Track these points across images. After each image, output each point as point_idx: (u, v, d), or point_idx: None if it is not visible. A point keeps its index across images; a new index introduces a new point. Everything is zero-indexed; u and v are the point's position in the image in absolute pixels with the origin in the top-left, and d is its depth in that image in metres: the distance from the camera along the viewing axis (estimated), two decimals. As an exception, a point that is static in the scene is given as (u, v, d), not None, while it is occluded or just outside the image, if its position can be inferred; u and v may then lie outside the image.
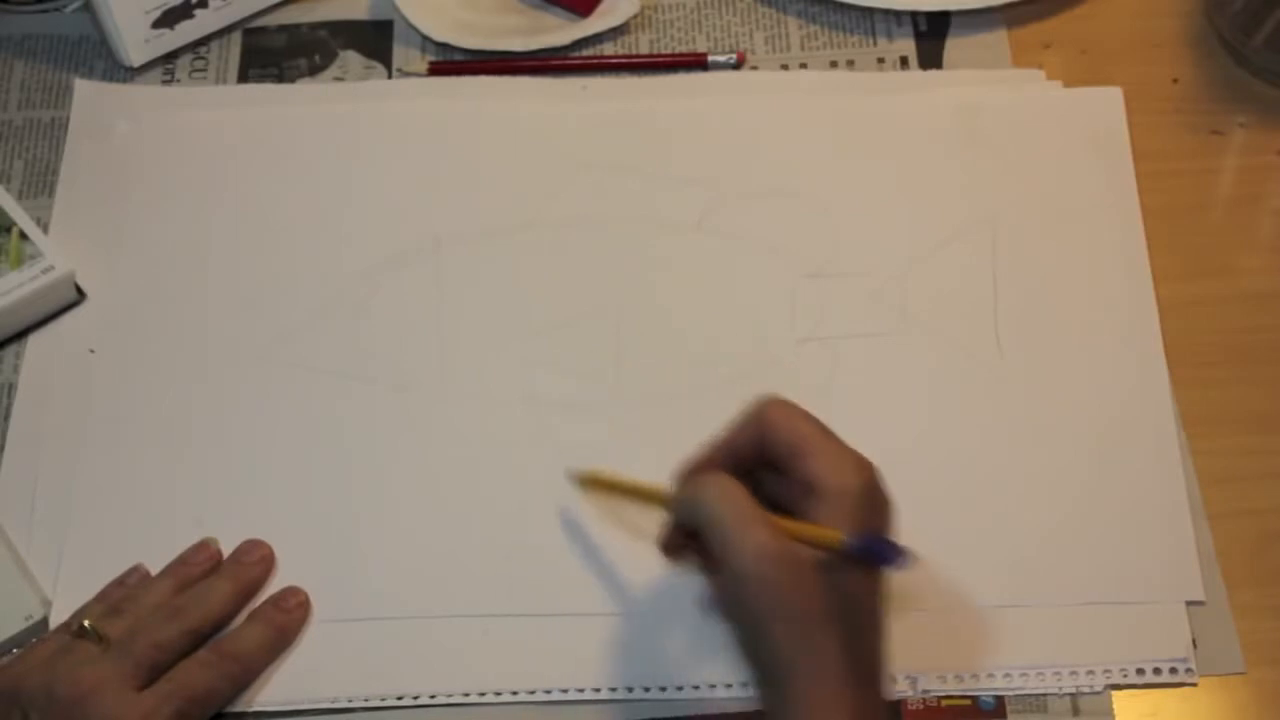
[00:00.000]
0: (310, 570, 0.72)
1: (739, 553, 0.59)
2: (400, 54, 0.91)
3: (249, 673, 0.69)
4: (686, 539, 0.66)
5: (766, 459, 0.64)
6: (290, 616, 0.71)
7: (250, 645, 0.69)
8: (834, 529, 0.60)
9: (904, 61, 0.89)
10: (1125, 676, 0.69)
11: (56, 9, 0.92)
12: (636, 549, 0.71)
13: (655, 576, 0.72)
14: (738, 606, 0.61)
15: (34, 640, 0.70)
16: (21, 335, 0.80)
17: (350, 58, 0.91)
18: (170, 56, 0.90)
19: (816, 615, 0.59)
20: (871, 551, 0.60)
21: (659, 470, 0.75)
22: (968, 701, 0.69)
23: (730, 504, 0.61)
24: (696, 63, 0.89)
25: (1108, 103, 0.85)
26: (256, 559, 0.72)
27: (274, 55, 0.91)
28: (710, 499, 0.62)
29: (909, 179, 0.83)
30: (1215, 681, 0.69)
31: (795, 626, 0.59)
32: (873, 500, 0.61)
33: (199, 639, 0.69)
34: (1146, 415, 0.76)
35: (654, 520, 0.67)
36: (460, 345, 0.79)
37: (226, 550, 0.73)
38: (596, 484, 0.72)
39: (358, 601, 0.72)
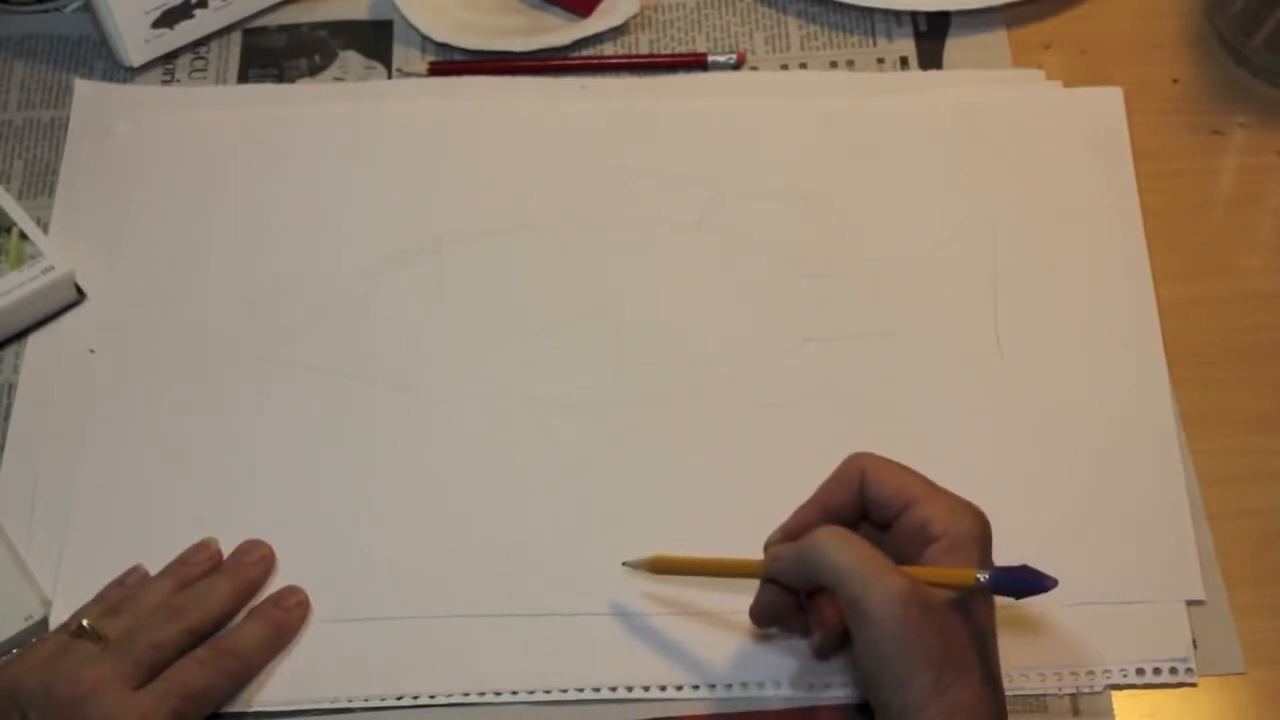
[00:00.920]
0: (310, 570, 0.72)
1: (880, 598, 0.60)
2: (400, 54, 0.91)
3: (247, 670, 0.69)
4: (787, 599, 0.67)
5: (866, 514, 0.65)
6: (289, 614, 0.71)
7: (249, 642, 0.69)
8: (965, 569, 0.61)
9: (904, 61, 0.89)
10: (1125, 676, 0.69)
11: (56, 9, 0.92)
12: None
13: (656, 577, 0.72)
14: (874, 652, 0.60)
15: (34, 640, 0.70)
16: (21, 335, 0.80)
17: (350, 58, 0.91)
18: (170, 56, 0.90)
19: (957, 650, 0.60)
20: (1019, 582, 0.60)
21: (659, 470, 0.75)
22: (968, 701, 0.69)
23: (857, 553, 0.62)
24: (696, 63, 0.89)
25: (1108, 103, 0.85)
26: (256, 559, 0.72)
27: (274, 55, 0.91)
28: (834, 551, 0.62)
29: (909, 179, 0.83)
30: (1215, 681, 0.69)
31: (935, 666, 0.60)
32: (986, 542, 0.63)
33: (199, 638, 0.69)
34: (1146, 415, 0.76)
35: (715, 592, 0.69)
36: (460, 345, 0.79)
37: (226, 550, 0.73)
38: (666, 566, 0.70)
39: (358, 601, 0.72)
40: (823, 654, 0.69)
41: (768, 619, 0.68)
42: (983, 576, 0.60)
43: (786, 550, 0.65)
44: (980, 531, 0.63)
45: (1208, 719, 0.69)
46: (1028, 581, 0.60)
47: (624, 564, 0.70)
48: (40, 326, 0.80)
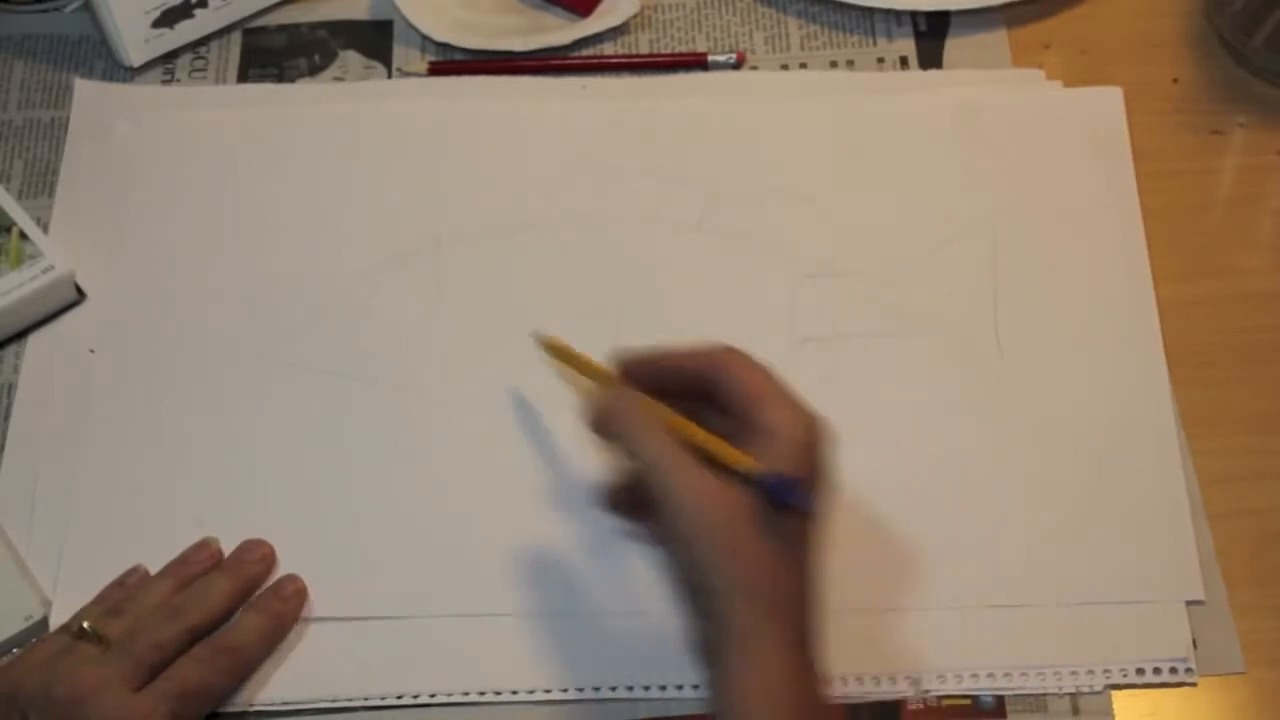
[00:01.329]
0: (310, 570, 0.72)
1: (678, 496, 0.61)
2: (400, 54, 0.91)
3: (247, 664, 0.69)
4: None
5: (709, 396, 0.65)
6: (287, 604, 0.71)
7: (247, 636, 0.69)
8: (750, 458, 0.61)
9: (904, 61, 0.89)
10: (1125, 676, 0.69)
11: (56, 9, 0.92)
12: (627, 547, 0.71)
13: (656, 576, 0.72)
14: (674, 541, 0.62)
15: (34, 641, 0.70)
16: (21, 335, 0.80)
17: (350, 58, 0.91)
18: (170, 56, 0.90)
19: (749, 553, 0.60)
20: (778, 487, 0.60)
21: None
22: (968, 701, 0.69)
23: (661, 443, 0.62)
24: (696, 63, 0.89)
25: (1108, 103, 0.85)
26: (257, 557, 0.72)
27: (274, 55, 0.91)
28: (643, 434, 0.63)
29: (909, 179, 0.83)
30: (1215, 681, 0.69)
31: (728, 561, 0.60)
32: (812, 456, 0.62)
33: (199, 638, 0.69)
34: (1146, 415, 0.76)
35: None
36: (460, 345, 0.79)
37: (227, 550, 0.73)
38: (556, 350, 0.73)
39: (358, 601, 0.72)
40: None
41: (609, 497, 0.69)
42: (762, 470, 0.61)
43: (608, 397, 0.66)
44: (808, 438, 0.62)
45: (1208, 719, 0.69)
46: (787, 489, 0.60)
47: (530, 331, 0.74)
48: (40, 326, 0.80)
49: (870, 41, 0.90)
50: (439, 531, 0.74)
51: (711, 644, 0.61)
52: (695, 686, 0.69)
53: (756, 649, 0.60)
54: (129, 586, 0.71)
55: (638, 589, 0.72)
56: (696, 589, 0.62)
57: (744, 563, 0.60)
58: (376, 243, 0.82)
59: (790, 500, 0.60)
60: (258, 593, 0.71)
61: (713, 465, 0.62)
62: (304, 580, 0.72)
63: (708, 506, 0.60)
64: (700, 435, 0.63)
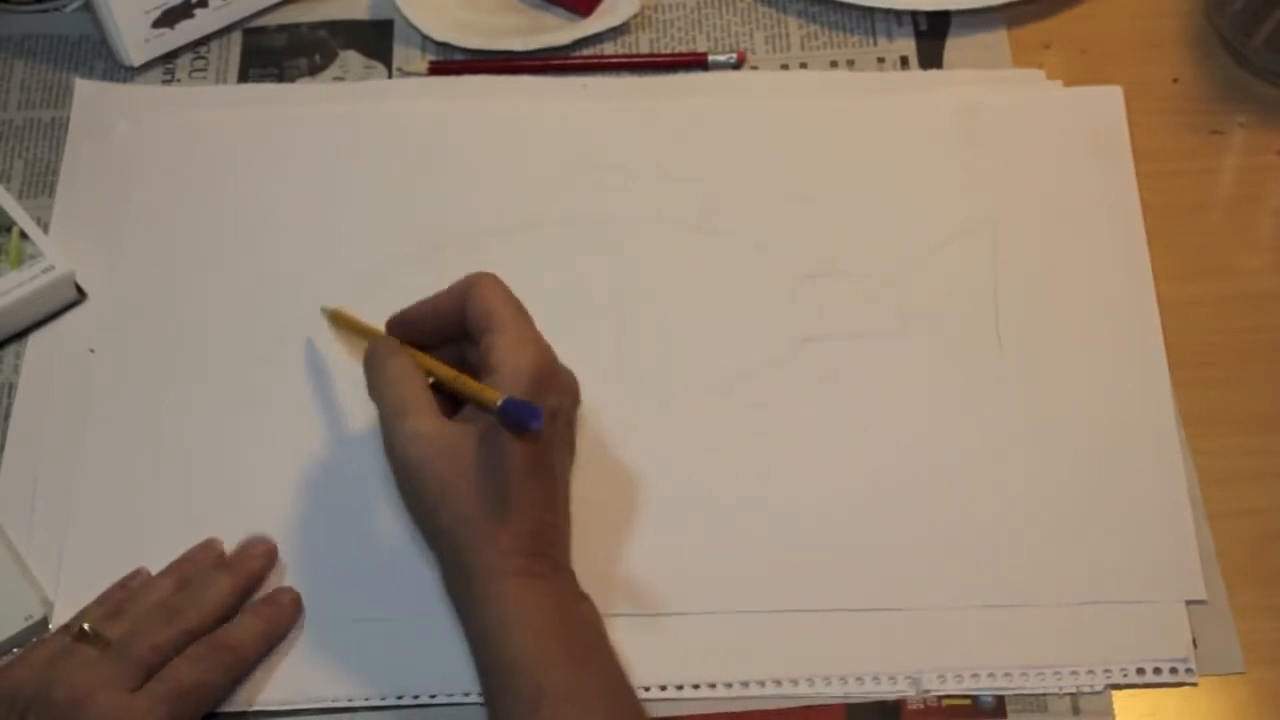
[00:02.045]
0: (311, 570, 0.72)
1: (400, 446, 0.66)
2: (400, 54, 0.91)
3: (242, 663, 0.69)
4: None
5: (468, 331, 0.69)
6: (282, 610, 0.71)
7: (242, 635, 0.69)
8: (489, 390, 0.65)
9: (904, 61, 0.89)
10: (1125, 676, 0.69)
11: (56, 9, 0.92)
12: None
13: (655, 575, 0.72)
14: (401, 480, 0.67)
15: (34, 641, 0.70)
16: (21, 335, 0.80)
17: (350, 57, 0.91)
18: (170, 56, 0.90)
19: (464, 476, 0.65)
20: (508, 414, 0.64)
21: (658, 469, 0.75)
22: (968, 701, 0.69)
23: (394, 389, 0.68)
24: (697, 62, 0.89)
25: (1108, 102, 0.85)
26: (259, 553, 0.72)
27: (274, 55, 0.91)
28: (378, 372, 0.69)
29: (909, 179, 0.83)
30: (1215, 681, 0.69)
31: (445, 491, 0.65)
32: (540, 384, 0.66)
33: (198, 638, 0.69)
34: (1147, 415, 0.76)
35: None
36: (460, 345, 0.79)
37: (229, 549, 0.73)
38: (340, 319, 0.76)
39: (358, 601, 0.72)
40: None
41: None
42: (500, 401, 0.64)
43: (369, 353, 0.71)
44: (531, 368, 0.66)
45: (1208, 719, 0.69)
46: (516, 414, 0.63)
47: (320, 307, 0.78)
48: (40, 326, 0.80)
49: (870, 41, 0.90)
50: (439, 531, 0.74)
51: (454, 581, 0.66)
52: (695, 686, 0.69)
53: (496, 579, 0.64)
54: (131, 589, 0.71)
55: (637, 589, 0.72)
56: (429, 533, 0.67)
57: (464, 500, 0.64)
58: (377, 243, 0.82)
59: (518, 426, 0.63)
60: (254, 599, 0.71)
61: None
62: (306, 582, 0.72)
63: (428, 455, 0.66)
64: (447, 374, 0.68)
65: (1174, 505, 0.73)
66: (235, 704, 0.69)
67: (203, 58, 0.90)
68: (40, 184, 0.86)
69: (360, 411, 0.76)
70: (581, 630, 0.65)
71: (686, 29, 0.91)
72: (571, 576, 0.67)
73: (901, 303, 0.79)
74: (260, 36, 0.91)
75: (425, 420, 0.67)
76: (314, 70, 0.90)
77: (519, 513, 0.65)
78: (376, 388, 0.70)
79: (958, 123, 0.85)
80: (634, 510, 0.74)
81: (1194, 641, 0.70)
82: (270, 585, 0.72)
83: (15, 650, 0.71)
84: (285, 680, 0.70)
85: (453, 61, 0.90)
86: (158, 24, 0.88)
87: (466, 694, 0.69)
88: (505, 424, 0.64)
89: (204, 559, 0.72)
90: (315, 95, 0.89)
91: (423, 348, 0.71)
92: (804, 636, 0.70)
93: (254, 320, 0.80)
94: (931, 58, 0.89)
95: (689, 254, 0.81)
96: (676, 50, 0.90)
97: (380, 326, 0.73)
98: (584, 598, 0.67)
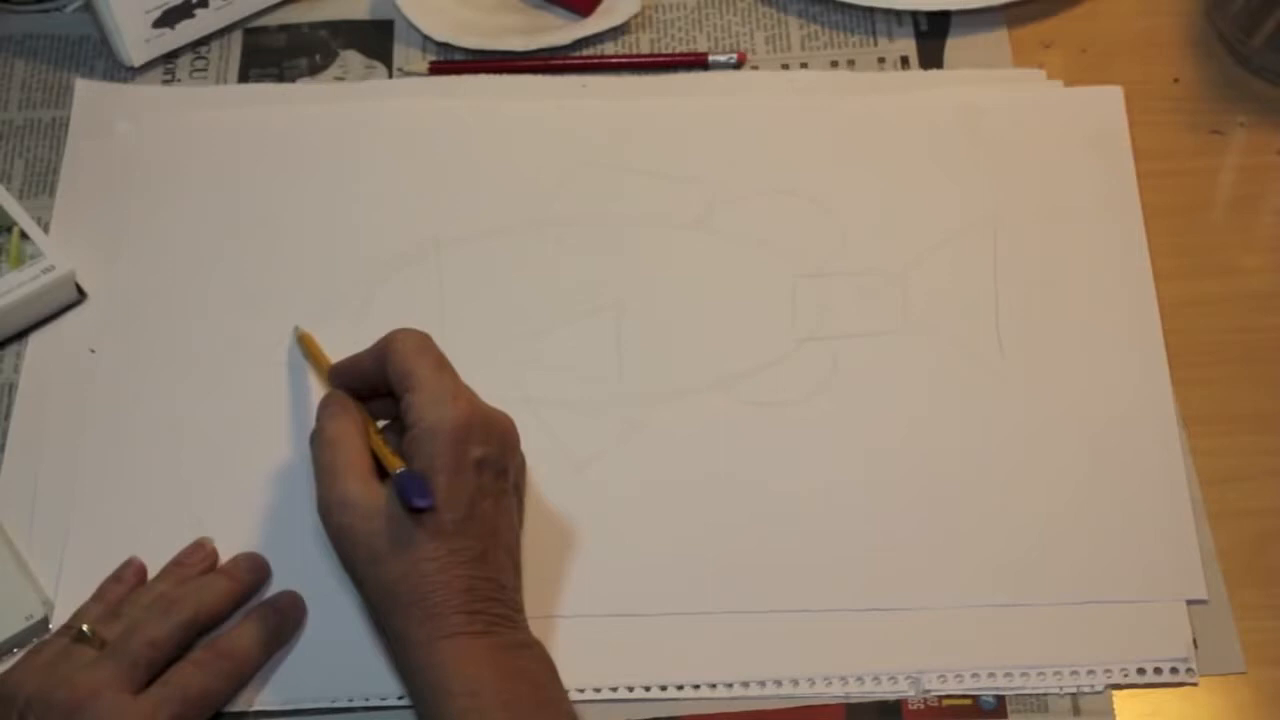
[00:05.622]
0: (311, 570, 0.72)
1: (322, 504, 0.66)
2: (401, 53, 0.91)
3: (245, 670, 0.69)
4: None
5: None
6: (285, 616, 0.71)
7: (245, 642, 0.69)
8: (398, 460, 0.66)
9: (904, 61, 0.89)
10: (1126, 676, 0.69)
11: (56, 9, 0.92)
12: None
13: (654, 574, 0.72)
14: (333, 544, 0.67)
15: (34, 642, 0.70)
16: (22, 335, 0.80)
17: (351, 57, 0.91)
18: (170, 56, 0.90)
19: (389, 543, 0.64)
20: (400, 489, 0.64)
21: (658, 469, 0.75)
22: (968, 701, 0.69)
23: (326, 451, 0.67)
24: (697, 62, 0.89)
25: (1108, 102, 0.85)
26: (253, 566, 0.72)
27: (274, 55, 0.91)
28: (316, 440, 0.69)
29: (909, 179, 0.83)
30: (1216, 681, 0.69)
31: (373, 561, 0.65)
32: (459, 438, 0.65)
33: (195, 633, 0.69)
34: (1147, 414, 0.76)
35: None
36: (460, 345, 0.79)
37: (223, 551, 0.73)
38: (308, 344, 0.77)
39: (358, 601, 0.72)
40: None
41: None
42: (399, 472, 0.65)
43: (321, 405, 0.71)
44: (449, 424, 0.65)
45: (1208, 718, 0.69)
46: (406, 489, 0.64)
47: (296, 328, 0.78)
48: (41, 326, 0.80)
49: (871, 41, 0.90)
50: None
51: (389, 645, 0.66)
52: (695, 686, 0.69)
53: (427, 646, 0.63)
54: (126, 581, 0.71)
55: (636, 589, 0.72)
56: (362, 598, 0.67)
57: (390, 567, 0.64)
58: (377, 243, 0.82)
59: (406, 502, 0.64)
60: (257, 603, 0.71)
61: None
62: (305, 582, 0.72)
63: (351, 523, 0.65)
64: (374, 440, 0.68)
65: (1174, 505, 0.73)
66: (235, 704, 0.69)
67: (203, 58, 0.91)
68: (40, 184, 0.86)
69: None
70: (522, 686, 0.64)
71: (687, 29, 0.91)
72: (516, 625, 0.65)
73: (902, 302, 0.79)
74: (260, 36, 0.91)
75: (352, 485, 0.66)
76: (314, 70, 0.90)
77: (444, 574, 0.64)
78: (314, 446, 0.69)
79: (958, 122, 0.85)
80: (633, 510, 0.74)
81: (1194, 641, 0.70)
82: (268, 587, 0.72)
83: (16, 650, 0.71)
84: (285, 680, 0.70)
85: (453, 61, 0.90)
86: (158, 24, 0.88)
87: (467, 694, 0.69)
88: (400, 498, 0.64)
89: (196, 561, 0.72)
90: (315, 95, 0.89)
91: (365, 398, 0.71)
92: (804, 636, 0.70)
93: (254, 320, 0.80)
94: (932, 58, 0.89)
95: (689, 254, 0.81)
96: (676, 50, 0.90)
97: (346, 354, 0.73)
98: (527, 646, 0.65)
